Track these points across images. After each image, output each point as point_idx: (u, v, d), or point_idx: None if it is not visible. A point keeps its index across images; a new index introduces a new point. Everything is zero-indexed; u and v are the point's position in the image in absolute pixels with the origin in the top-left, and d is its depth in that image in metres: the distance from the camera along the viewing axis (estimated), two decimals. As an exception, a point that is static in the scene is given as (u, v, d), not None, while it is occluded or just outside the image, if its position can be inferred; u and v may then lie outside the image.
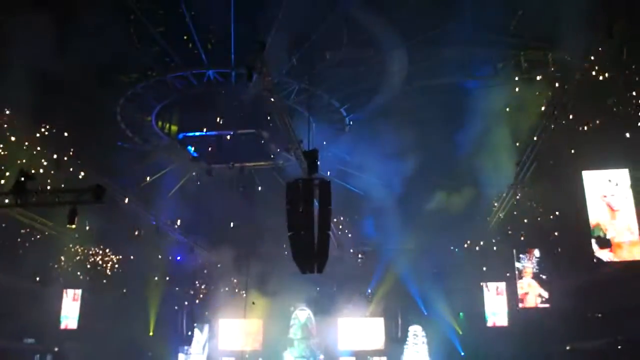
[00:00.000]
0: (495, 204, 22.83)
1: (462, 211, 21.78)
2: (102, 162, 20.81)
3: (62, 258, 26.04)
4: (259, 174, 21.90)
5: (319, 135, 17.32)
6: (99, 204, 16.69)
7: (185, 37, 17.05)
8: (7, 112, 17.56)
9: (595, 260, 18.27)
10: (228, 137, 19.95)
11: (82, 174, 19.67)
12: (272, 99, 15.75)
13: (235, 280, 26.23)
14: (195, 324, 29.78)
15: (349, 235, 26.01)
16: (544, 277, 24.10)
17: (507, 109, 17.83)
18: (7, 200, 17.02)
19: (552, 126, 16.82)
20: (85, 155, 20.30)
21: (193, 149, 20.82)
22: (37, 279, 28.15)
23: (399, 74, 17.76)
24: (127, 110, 20.00)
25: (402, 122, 18.94)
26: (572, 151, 18.71)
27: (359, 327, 30.30)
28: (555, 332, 24.36)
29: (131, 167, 21.47)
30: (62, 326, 29.70)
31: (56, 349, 31.34)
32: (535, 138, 17.83)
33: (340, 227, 24.22)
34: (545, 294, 23.92)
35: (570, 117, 16.43)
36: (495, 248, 25.07)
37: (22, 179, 16.19)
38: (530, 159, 18.96)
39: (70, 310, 29.70)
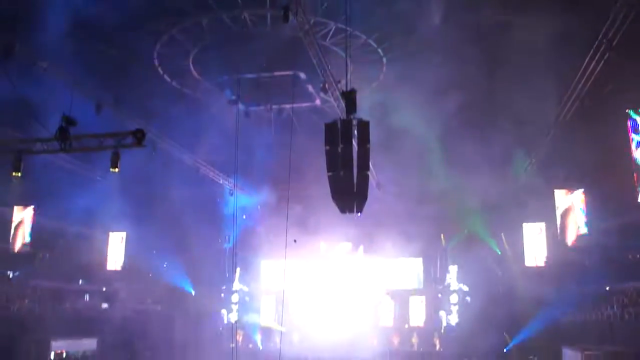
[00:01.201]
0: (537, 142, 22.50)
1: (503, 150, 21.51)
2: (142, 106, 21.09)
3: (107, 201, 26.67)
4: (297, 115, 21.91)
5: (356, 75, 17.12)
6: (140, 147, 17.05)
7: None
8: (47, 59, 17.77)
9: (638, 201, 18.05)
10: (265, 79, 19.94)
11: (123, 118, 19.99)
12: (309, 40, 15.63)
13: (275, 221, 26.63)
14: (236, 265, 30.58)
15: (389, 175, 26.02)
16: (584, 217, 23.87)
17: (550, 45, 17.28)
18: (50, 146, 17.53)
19: (598, 63, 16.30)
20: (125, 99, 20.58)
21: (231, 91, 20.90)
22: (84, 223, 29.12)
23: (437, 10, 17.36)
24: (164, 55, 20.09)
25: (441, 60, 18.61)
26: (617, 89, 18.20)
27: (398, 267, 30.73)
28: (595, 273, 24.28)
29: (170, 111, 21.68)
30: (109, 267, 30.81)
31: (104, 289, 32.67)
32: (579, 75, 17.35)
33: (379, 167, 24.21)
34: (586, 235, 23.73)
35: (617, 53, 15.84)
36: (535, 187, 24.83)
37: (65, 124, 16.55)
38: (574, 97, 18.52)
39: (116, 252, 30.74)
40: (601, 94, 18.43)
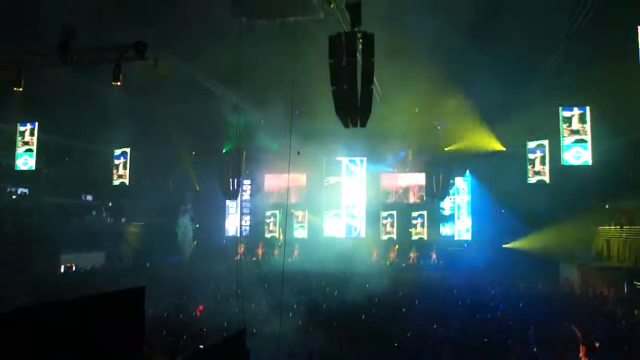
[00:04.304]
0: (545, 57, 22.07)
1: (508, 63, 21.11)
2: (142, 18, 20.54)
3: (110, 117, 26.54)
4: (302, 28, 21.41)
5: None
6: (142, 60, 16.78)
7: None
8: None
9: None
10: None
11: (123, 33, 19.51)
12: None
13: (278, 135, 26.59)
14: (240, 179, 30.84)
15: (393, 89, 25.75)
16: (589, 134, 23.79)
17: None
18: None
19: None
20: (125, 12, 20.04)
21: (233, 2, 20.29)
22: (88, 139, 29.13)
23: None
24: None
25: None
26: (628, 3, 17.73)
27: (401, 181, 30.99)
28: (596, 190, 24.40)
29: (172, 24, 21.16)
30: (115, 182, 31.12)
31: (110, 204, 33.15)
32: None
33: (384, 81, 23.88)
34: (589, 152, 23.72)
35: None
36: (541, 103, 24.62)
37: (65, 38, 16.21)
38: (586, 10, 18.04)
39: (120, 168, 30.96)
40: (613, 8, 17.97)
